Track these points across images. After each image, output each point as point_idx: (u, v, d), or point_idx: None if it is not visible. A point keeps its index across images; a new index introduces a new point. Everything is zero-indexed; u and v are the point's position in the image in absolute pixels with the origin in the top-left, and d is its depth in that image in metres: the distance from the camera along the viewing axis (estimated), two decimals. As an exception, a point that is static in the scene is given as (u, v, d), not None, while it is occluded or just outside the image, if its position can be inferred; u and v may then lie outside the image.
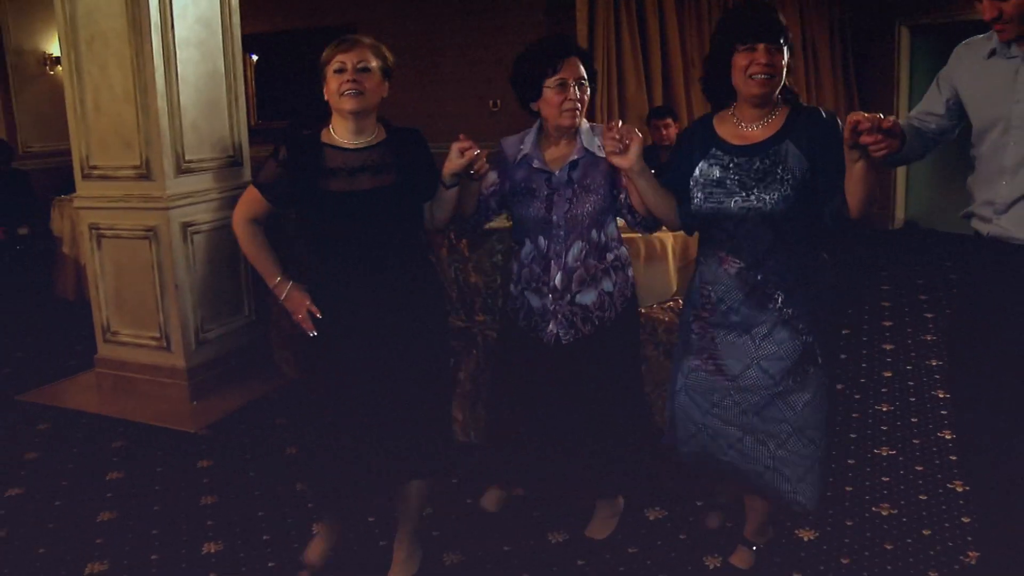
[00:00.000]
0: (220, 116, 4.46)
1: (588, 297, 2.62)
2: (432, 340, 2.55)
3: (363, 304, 2.43)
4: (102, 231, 4.39)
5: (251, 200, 2.52)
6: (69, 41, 4.28)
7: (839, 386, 4.23)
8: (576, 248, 2.60)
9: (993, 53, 2.23)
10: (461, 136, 2.44)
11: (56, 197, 6.44)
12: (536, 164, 2.60)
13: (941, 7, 7.59)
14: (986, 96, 2.23)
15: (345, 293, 2.44)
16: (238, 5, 4.51)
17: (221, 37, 4.43)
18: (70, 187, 4.72)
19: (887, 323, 5.35)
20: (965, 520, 2.91)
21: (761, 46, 2.21)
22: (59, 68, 7.39)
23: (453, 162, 2.43)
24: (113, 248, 4.39)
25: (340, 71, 2.38)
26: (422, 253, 2.58)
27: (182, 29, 4.18)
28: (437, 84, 8.46)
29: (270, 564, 2.82)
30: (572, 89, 2.51)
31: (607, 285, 2.64)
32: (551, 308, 2.63)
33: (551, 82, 2.50)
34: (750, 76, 2.23)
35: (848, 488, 3.20)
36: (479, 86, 7.99)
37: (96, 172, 4.37)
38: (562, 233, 2.59)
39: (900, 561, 2.73)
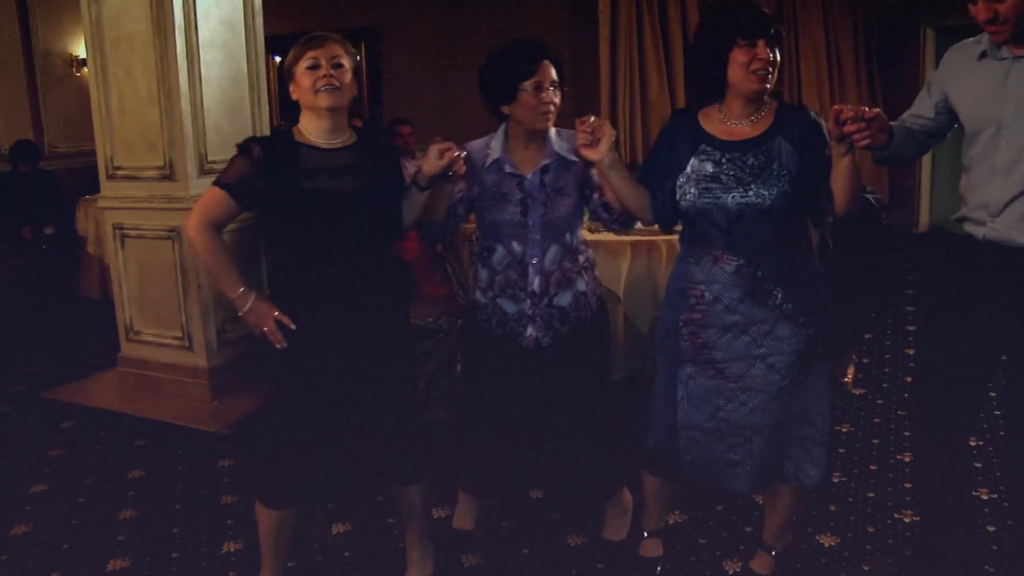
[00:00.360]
0: (243, 117, 4.49)
1: (565, 299, 2.62)
2: (403, 343, 2.52)
3: (344, 309, 2.34)
4: (126, 231, 4.44)
5: (214, 203, 2.32)
6: (95, 44, 4.33)
7: (861, 391, 4.20)
8: (552, 252, 2.59)
9: (983, 55, 2.25)
10: (438, 138, 2.39)
11: (81, 197, 6.51)
12: (508, 168, 2.56)
13: (966, 9, 7.51)
14: (977, 98, 2.25)
15: (325, 299, 2.33)
16: (261, 7, 4.54)
17: (244, 39, 4.46)
18: (95, 187, 4.76)
19: (910, 327, 5.30)
20: (991, 528, 2.88)
21: (761, 42, 2.22)
22: (85, 70, 7.46)
23: (432, 163, 2.37)
24: (137, 248, 4.43)
25: (314, 67, 2.28)
26: (395, 255, 2.49)
27: (205, 31, 4.22)
28: (460, 85, 8.46)
29: (289, 564, 2.82)
30: (548, 92, 2.49)
31: (581, 286, 2.64)
32: (529, 313, 2.60)
33: (528, 85, 2.47)
34: (753, 72, 2.23)
35: (870, 494, 3.17)
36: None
37: (120, 173, 4.41)
38: (538, 237, 2.57)
39: (922, 569, 2.70)
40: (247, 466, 3.59)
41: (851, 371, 4.28)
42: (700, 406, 2.41)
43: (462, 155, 2.38)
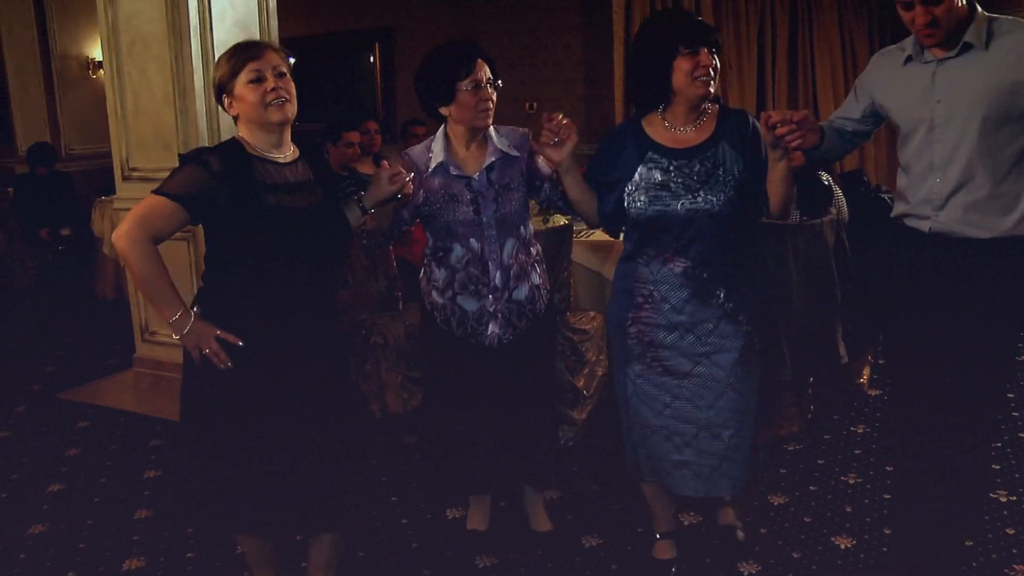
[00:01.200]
0: (257, 118, 4.50)
1: (522, 292, 2.64)
2: (345, 360, 2.47)
3: (293, 325, 2.22)
4: (141, 232, 4.44)
5: (159, 213, 2.12)
6: (110, 45, 4.36)
7: (875, 391, 4.17)
8: (509, 245, 2.61)
9: (909, 60, 2.36)
10: (384, 163, 2.38)
11: (97, 198, 6.55)
12: (454, 171, 2.57)
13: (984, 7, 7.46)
14: (908, 100, 2.36)
15: (274, 315, 2.19)
16: (276, 9, 4.55)
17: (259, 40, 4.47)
18: (111, 189, 4.79)
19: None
20: (1010, 531, 2.85)
21: (704, 50, 2.31)
22: (101, 72, 7.52)
23: (382, 188, 2.34)
24: (152, 249, 4.44)
25: (258, 80, 2.14)
26: (340, 269, 2.43)
27: (220, 32, 4.23)
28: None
29: (303, 564, 2.83)
30: (486, 89, 2.51)
31: (535, 278, 2.68)
32: (491, 309, 2.61)
33: (465, 84, 2.48)
34: (697, 78, 2.31)
35: (886, 496, 3.14)
36: (515, 88, 7.97)
37: (136, 174, 4.43)
38: (494, 233, 2.58)
39: (935, 570, 2.67)
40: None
41: (867, 372, 4.25)
42: (650, 403, 2.48)
43: (411, 177, 2.38)
